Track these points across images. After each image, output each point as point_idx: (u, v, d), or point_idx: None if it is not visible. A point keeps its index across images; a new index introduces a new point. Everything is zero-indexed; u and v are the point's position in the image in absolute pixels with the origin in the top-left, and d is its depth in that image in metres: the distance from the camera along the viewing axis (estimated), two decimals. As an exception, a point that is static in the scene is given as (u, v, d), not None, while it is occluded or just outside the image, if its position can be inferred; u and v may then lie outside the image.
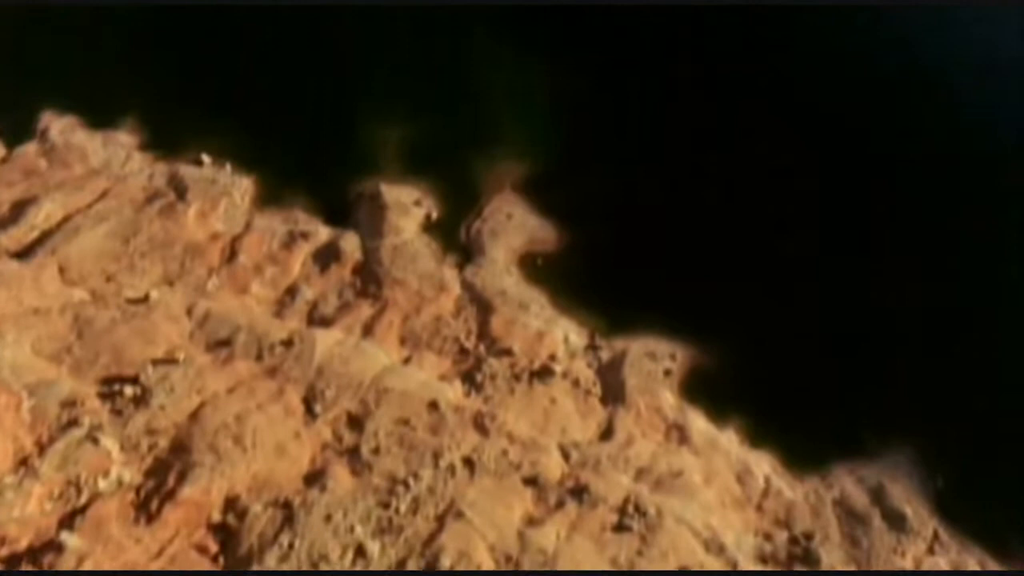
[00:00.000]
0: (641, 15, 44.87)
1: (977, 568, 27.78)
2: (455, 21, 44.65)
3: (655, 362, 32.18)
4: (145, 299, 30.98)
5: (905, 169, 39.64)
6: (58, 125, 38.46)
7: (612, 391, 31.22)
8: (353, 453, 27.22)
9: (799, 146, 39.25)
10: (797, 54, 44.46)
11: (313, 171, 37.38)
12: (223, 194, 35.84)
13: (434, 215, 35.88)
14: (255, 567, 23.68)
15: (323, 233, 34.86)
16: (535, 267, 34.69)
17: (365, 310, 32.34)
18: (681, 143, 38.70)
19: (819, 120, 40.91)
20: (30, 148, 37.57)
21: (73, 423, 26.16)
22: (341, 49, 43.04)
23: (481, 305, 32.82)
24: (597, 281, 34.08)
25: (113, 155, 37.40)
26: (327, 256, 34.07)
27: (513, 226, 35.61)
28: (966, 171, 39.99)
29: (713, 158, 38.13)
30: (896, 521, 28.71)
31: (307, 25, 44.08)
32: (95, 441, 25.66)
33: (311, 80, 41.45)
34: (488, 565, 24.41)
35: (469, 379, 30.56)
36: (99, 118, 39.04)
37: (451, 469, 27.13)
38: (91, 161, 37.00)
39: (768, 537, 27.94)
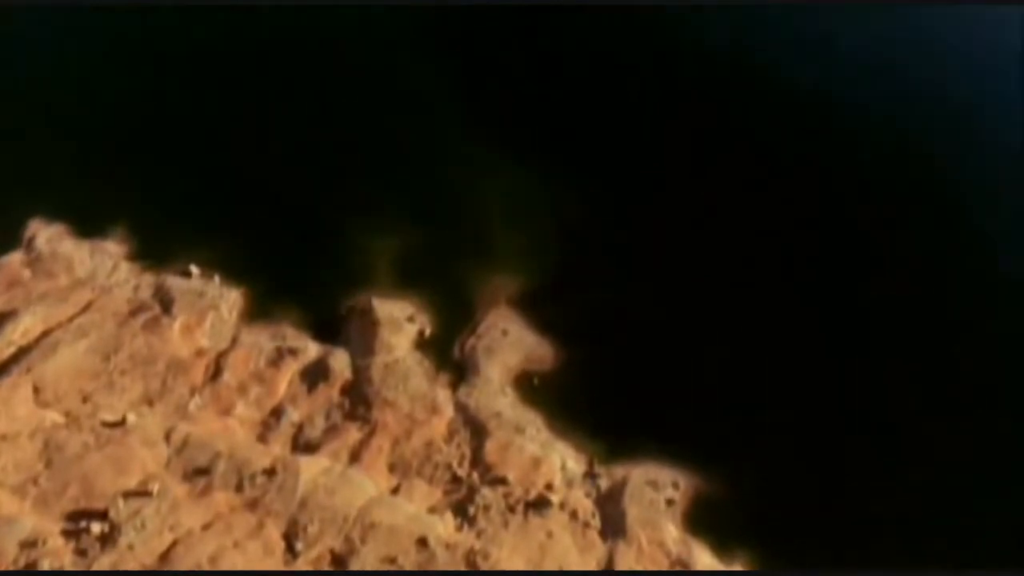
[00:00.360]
0: (639, 127, 45.25)
1: None
2: (452, 129, 44.79)
3: (657, 491, 30.60)
4: (122, 422, 29.46)
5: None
6: (45, 233, 37.70)
7: (612, 523, 29.51)
8: (335, 598, 25.30)
9: (811, 262, 38.99)
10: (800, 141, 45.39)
11: (304, 283, 36.47)
12: (210, 307, 34.77)
13: (427, 331, 34.80)
14: None
15: (312, 350, 33.67)
16: (531, 387, 33.43)
17: (353, 434, 30.85)
18: (681, 258, 38.08)
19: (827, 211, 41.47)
20: (15, 257, 36.65)
21: (32, 567, 24.23)
22: (335, 157, 42.77)
23: (475, 428, 31.39)
24: (595, 402, 32.84)
25: (100, 265, 36.48)
26: (315, 374, 32.79)
27: (509, 343, 34.52)
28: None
29: (713, 274, 37.45)
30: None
31: (300, 132, 44.05)
32: (54, 588, 23.72)
33: (305, 189, 40.95)
34: None
35: (461, 511, 28.86)
36: (88, 226, 38.28)
37: (440, 616, 25.20)
38: (77, 271, 36.04)
39: None
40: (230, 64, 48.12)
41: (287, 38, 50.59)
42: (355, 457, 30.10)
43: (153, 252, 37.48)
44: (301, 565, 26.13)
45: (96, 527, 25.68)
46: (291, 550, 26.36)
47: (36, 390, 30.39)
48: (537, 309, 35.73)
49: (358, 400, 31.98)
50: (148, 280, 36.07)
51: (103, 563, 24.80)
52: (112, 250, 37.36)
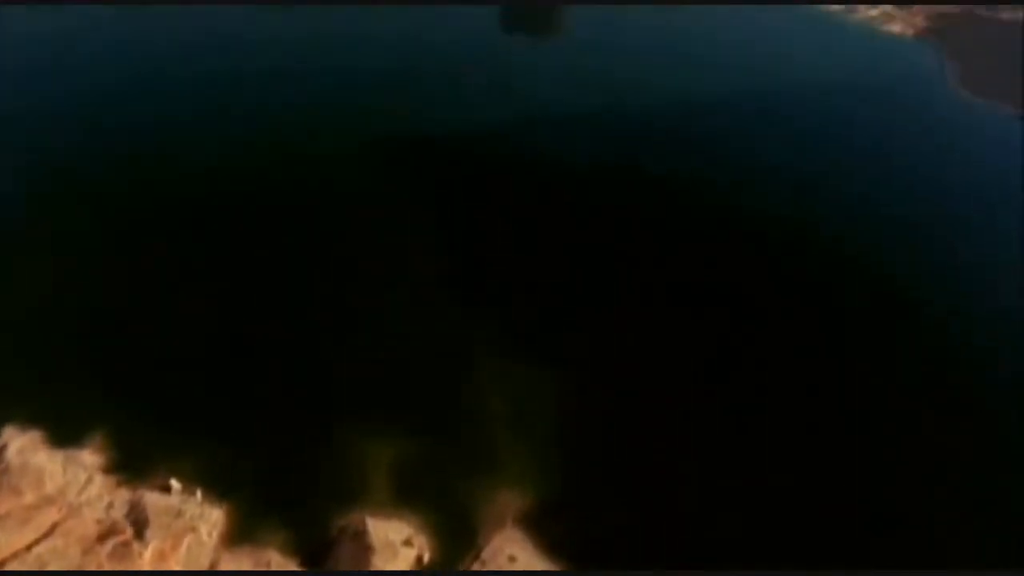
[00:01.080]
0: (652, 330, 44.05)
1: None
2: (457, 329, 43.16)
3: None
4: None
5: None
6: (18, 443, 35.14)
7: None
8: None
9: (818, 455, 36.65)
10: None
11: (293, 498, 33.61)
12: (188, 529, 31.70)
13: (426, 557, 31.57)
14: None
15: (298, 580, 30.33)
16: (542, 625, 29.90)
17: None
18: (695, 468, 35.62)
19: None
20: (-19, 471, 33.90)
21: None
22: (325, 352, 40.93)
23: None
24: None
25: (72, 479, 33.71)
26: (300, 611, 29.29)
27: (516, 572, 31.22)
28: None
29: (729, 486, 34.87)
30: None
31: (293, 324, 42.57)
32: None
33: (295, 389, 38.88)
34: None
35: None
36: (65, 431, 35.87)
37: None
38: (46, 486, 33.19)
39: None
40: (211, 246, 47.62)
41: (268, 230, 50.25)
42: None
43: (132, 462, 34.85)
44: None
45: None
46: None
47: (-22, 641, 26.76)
48: (547, 529, 32.64)
49: (347, 644, 28.29)
50: (123, 496, 33.19)
51: None
52: (87, 461, 34.73)
